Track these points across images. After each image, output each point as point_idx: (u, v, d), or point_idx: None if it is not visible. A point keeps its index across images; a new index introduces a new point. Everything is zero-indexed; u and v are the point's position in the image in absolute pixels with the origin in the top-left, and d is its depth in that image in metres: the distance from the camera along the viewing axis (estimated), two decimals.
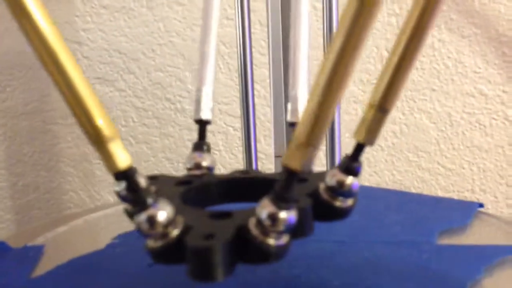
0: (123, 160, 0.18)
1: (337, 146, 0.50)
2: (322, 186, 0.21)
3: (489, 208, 0.67)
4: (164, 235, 0.19)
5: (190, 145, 0.75)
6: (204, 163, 0.26)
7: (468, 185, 0.67)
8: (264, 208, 0.18)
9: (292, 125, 0.27)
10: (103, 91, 0.71)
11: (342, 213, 0.21)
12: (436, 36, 0.64)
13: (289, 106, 0.27)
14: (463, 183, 0.67)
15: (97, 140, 0.18)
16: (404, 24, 0.20)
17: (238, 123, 0.70)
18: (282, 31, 0.48)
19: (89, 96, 0.19)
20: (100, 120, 0.18)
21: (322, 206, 0.21)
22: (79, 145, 0.73)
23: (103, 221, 0.36)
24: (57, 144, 0.73)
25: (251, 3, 0.49)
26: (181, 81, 0.70)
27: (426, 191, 0.68)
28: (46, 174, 0.74)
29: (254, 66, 0.51)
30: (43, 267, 0.28)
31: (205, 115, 0.27)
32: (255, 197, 0.20)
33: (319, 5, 0.64)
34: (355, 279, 0.26)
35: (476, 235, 0.31)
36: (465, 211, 0.34)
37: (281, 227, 0.18)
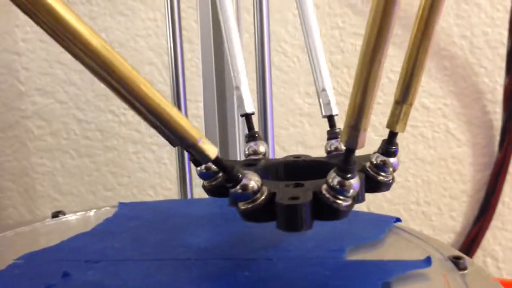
0: (213, 151, 0.23)
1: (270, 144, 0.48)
2: (368, 165, 0.27)
3: (433, 220, 0.67)
4: (254, 199, 0.24)
5: (135, 158, 0.73)
6: (261, 149, 0.31)
7: (413, 197, 0.67)
8: (335, 177, 0.23)
9: (329, 117, 0.33)
10: (43, 103, 0.69)
11: (386, 186, 0.27)
12: None
13: (321, 100, 0.33)
14: (408, 196, 0.67)
15: (191, 142, 0.22)
16: (414, 21, 0.24)
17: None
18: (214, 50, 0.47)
19: (173, 108, 0.22)
20: (188, 125, 0.22)
21: (371, 180, 0.27)
22: (19, 159, 0.71)
23: (12, 240, 0.35)
24: None
25: (182, 21, 0.47)
26: None
27: (372, 204, 0.68)
28: None
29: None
30: None
31: (249, 108, 0.32)
32: (306, 176, 0.26)
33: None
34: None
35: (385, 251, 0.31)
36: (381, 226, 0.33)
37: (350, 191, 0.23)
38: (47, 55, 0.67)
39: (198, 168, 0.27)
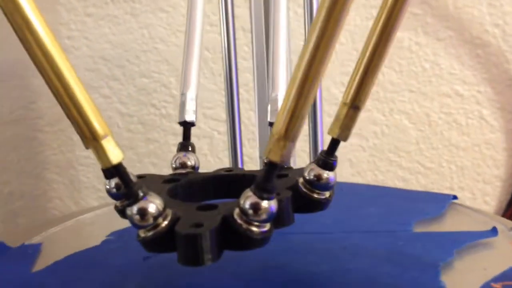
0: (116, 155, 0.20)
1: (319, 147, 0.51)
2: (301, 180, 0.23)
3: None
4: (155, 226, 0.20)
5: (175, 149, 0.75)
6: (189, 163, 0.28)
7: (447, 183, 0.69)
8: (247, 199, 0.20)
9: (271, 124, 0.28)
10: None
11: (320, 205, 0.23)
12: (413, 39, 0.66)
13: (269, 107, 0.29)
14: (442, 181, 0.69)
15: (92, 137, 0.19)
16: (372, 25, 0.22)
17: (223, 127, 0.71)
18: (265, 37, 0.50)
19: (83, 95, 0.20)
20: (94, 118, 0.19)
21: (302, 198, 0.23)
22: (65, 152, 0.73)
23: (95, 220, 0.37)
24: (43, 152, 0.74)
25: (235, 9, 0.50)
26: (165, 87, 0.71)
27: None
28: (31, 182, 0.75)
29: (238, 71, 0.53)
30: (42, 263, 0.29)
31: (189, 117, 0.29)
32: (239, 193, 0.21)
33: (300, 11, 0.66)
34: (338, 263, 0.27)
35: (449, 224, 0.33)
36: (440, 203, 0.35)
37: (263, 216, 0.20)
38: (91, 52, 0.70)
39: (107, 186, 0.23)
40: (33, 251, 0.31)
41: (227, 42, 0.49)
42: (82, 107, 0.19)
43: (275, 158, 0.19)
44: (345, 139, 0.22)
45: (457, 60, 0.66)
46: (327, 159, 0.22)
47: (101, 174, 0.74)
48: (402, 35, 0.66)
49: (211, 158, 0.73)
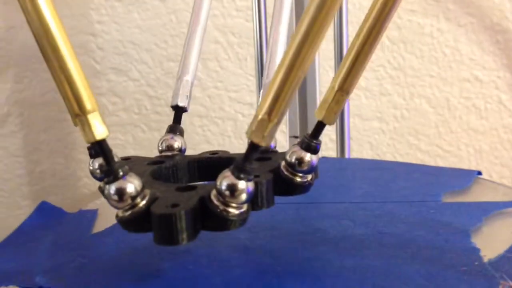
0: (101, 131, 0.20)
1: (346, 134, 0.53)
2: (283, 163, 0.23)
3: None
4: (133, 205, 0.21)
5: (200, 131, 0.78)
6: (176, 145, 0.28)
7: (465, 165, 0.71)
8: (224, 179, 0.20)
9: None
10: (117, 81, 0.74)
11: (301, 189, 0.23)
12: (435, 25, 0.68)
13: (261, 93, 0.30)
14: (461, 164, 0.71)
15: (79, 111, 0.20)
16: (367, 13, 0.22)
17: (247, 110, 0.74)
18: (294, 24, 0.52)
19: (76, 69, 0.20)
20: (84, 92, 0.20)
21: (283, 181, 0.23)
22: None
23: None
24: (72, 133, 0.76)
25: None
26: None
27: None
28: (62, 161, 0.78)
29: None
30: (100, 226, 0.32)
31: (181, 102, 0.29)
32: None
33: None
34: (373, 228, 0.29)
35: (475, 195, 0.35)
36: (465, 177, 0.38)
37: (239, 197, 0.20)
38: (120, 36, 0.72)
39: (91, 167, 0.24)
40: (91, 216, 0.33)
41: (258, 26, 0.51)
42: (73, 81, 0.19)
43: (257, 139, 0.19)
44: (330, 123, 0.22)
45: (478, 46, 0.68)
46: (310, 142, 0.22)
47: (129, 154, 0.77)
48: (424, 21, 0.68)
49: (234, 140, 0.75)
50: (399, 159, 0.72)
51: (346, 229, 0.30)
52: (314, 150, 0.22)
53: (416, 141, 0.71)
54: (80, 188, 0.79)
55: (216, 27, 0.72)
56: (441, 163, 0.71)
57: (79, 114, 0.20)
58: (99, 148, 0.20)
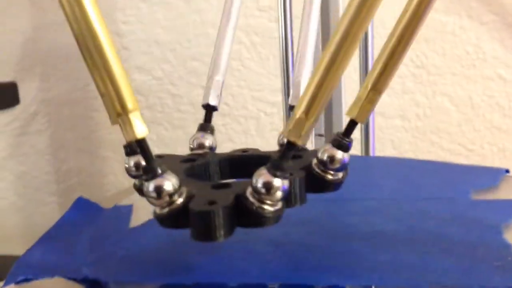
0: (142, 130, 0.20)
1: (371, 132, 0.53)
2: (314, 161, 0.23)
3: None
4: (170, 203, 0.21)
5: (223, 129, 0.79)
6: (207, 143, 0.28)
7: (489, 164, 0.71)
8: (260, 177, 0.20)
9: (292, 108, 0.29)
10: (141, 80, 0.75)
11: (333, 186, 0.23)
12: (457, 23, 0.68)
13: (291, 91, 0.30)
14: (484, 163, 0.71)
15: (121, 110, 0.20)
16: (402, 12, 0.22)
17: (269, 109, 0.74)
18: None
19: (119, 69, 0.20)
20: (127, 92, 0.20)
21: (315, 179, 0.23)
22: (118, 131, 0.77)
23: None
24: (98, 131, 0.78)
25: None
26: None
27: None
28: (88, 159, 0.79)
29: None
30: (136, 220, 0.33)
31: (212, 101, 0.30)
32: (253, 173, 0.21)
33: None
34: (403, 224, 0.30)
35: (504, 193, 0.35)
36: (494, 175, 0.38)
37: (274, 194, 0.20)
38: (145, 36, 0.74)
39: (126, 164, 0.25)
40: (127, 211, 0.34)
41: (284, 26, 0.52)
42: (116, 80, 0.20)
43: (294, 138, 0.20)
44: (362, 121, 0.22)
45: (500, 44, 0.67)
46: (342, 140, 0.22)
47: (152, 152, 0.78)
48: (446, 19, 0.68)
49: (257, 138, 0.76)
50: (421, 157, 0.72)
51: (377, 225, 0.30)
52: (346, 148, 0.22)
53: (438, 139, 0.71)
54: (106, 185, 0.81)
55: (239, 27, 0.72)
56: (464, 162, 0.71)
57: (120, 113, 0.20)
58: (139, 147, 0.21)
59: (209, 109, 0.30)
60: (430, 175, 0.39)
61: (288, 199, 0.21)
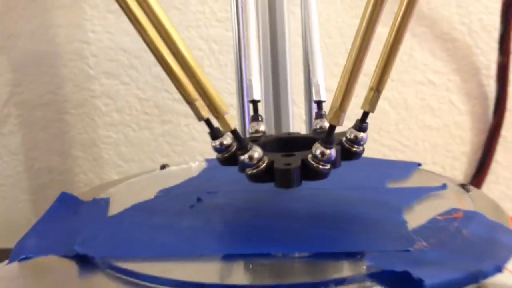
0: (233, 124, 0.31)
1: None
2: (344, 139, 0.33)
3: None
4: (257, 166, 0.31)
5: (186, 129, 0.86)
6: (261, 128, 0.39)
7: (421, 158, 0.80)
8: (317, 148, 0.30)
9: (316, 102, 0.40)
10: (109, 84, 0.81)
11: (357, 155, 0.34)
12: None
13: (313, 89, 0.41)
14: (417, 157, 0.80)
15: (220, 113, 0.30)
16: (391, 26, 0.30)
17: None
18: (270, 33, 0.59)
19: (209, 85, 0.29)
20: (219, 99, 0.30)
21: (345, 150, 0.33)
22: (89, 132, 0.83)
23: (143, 182, 0.48)
24: (69, 132, 0.83)
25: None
26: None
27: None
28: (59, 158, 0.85)
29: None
30: (113, 211, 0.39)
31: (256, 96, 0.40)
32: (296, 150, 0.32)
33: (297, 10, 0.75)
34: (330, 208, 0.38)
35: (413, 182, 0.44)
36: (408, 168, 0.46)
37: (327, 159, 0.30)
38: (112, 44, 0.80)
39: (213, 144, 0.33)
40: (105, 203, 0.41)
41: (237, 36, 0.59)
42: (212, 96, 0.30)
43: (335, 122, 0.29)
44: (373, 111, 0.31)
45: (430, 53, 0.77)
46: (361, 125, 0.32)
47: (121, 151, 0.86)
48: (382, 30, 0.76)
49: None
50: (365, 152, 0.81)
51: (310, 209, 0.38)
52: (364, 130, 0.33)
53: (379, 137, 0.80)
54: (76, 183, 0.86)
55: (200, 36, 0.79)
56: (400, 156, 0.81)
57: (217, 116, 0.30)
58: (233, 134, 0.31)
59: (255, 103, 0.40)
60: (357, 168, 0.47)
61: (333, 162, 0.31)
